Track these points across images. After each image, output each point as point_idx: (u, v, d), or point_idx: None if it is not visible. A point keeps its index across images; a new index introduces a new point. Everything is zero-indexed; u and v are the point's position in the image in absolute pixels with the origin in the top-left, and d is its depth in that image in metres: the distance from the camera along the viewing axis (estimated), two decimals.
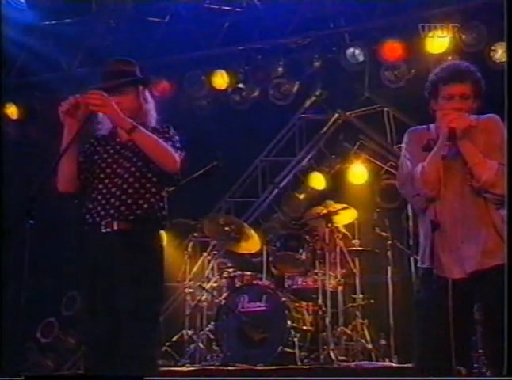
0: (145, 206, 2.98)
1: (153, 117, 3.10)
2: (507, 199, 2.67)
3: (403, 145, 3.10)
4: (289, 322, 5.19)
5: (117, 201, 2.96)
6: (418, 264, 3.02)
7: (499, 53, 5.76)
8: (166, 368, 5.22)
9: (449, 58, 5.98)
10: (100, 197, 2.99)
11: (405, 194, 3.08)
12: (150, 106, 3.11)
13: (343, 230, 5.91)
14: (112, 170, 3.02)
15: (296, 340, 5.14)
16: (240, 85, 6.85)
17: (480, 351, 4.11)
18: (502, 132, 2.86)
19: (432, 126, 3.05)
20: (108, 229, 2.94)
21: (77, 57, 6.89)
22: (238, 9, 6.59)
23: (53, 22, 6.79)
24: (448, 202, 2.85)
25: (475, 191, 2.83)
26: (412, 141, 3.04)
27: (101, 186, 3.01)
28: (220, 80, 6.79)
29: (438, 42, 5.90)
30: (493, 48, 5.78)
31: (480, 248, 2.79)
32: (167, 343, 5.71)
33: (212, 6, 6.59)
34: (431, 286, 2.84)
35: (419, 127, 3.10)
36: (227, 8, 6.62)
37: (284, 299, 5.32)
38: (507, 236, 2.65)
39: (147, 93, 3.12)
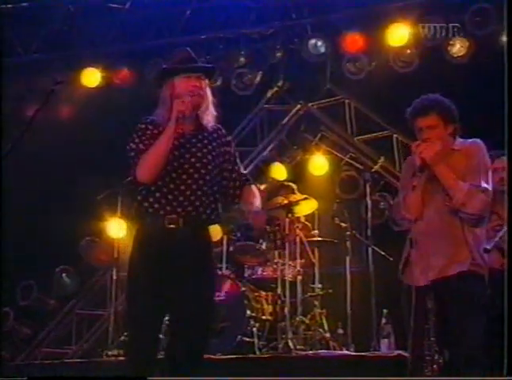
0: (208, 211, 2.98)
1: (212, 113, 3.12)
2: (507, 201, 2.80)
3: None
4: (248, 312, 5.21)
5: (186, 201, 2.92)
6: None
7: (457, 47, 5.89)
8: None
9: (408, 51, 6.09)
10: (165, 190, 2.92)
11: (394, 218, 3.38)
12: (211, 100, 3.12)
13: (303, 221, 5.95)
14: (180, 165, 2.95)
15: (254, 329, 5.16)
16: None
17: (432, 339, 4.21)
18: (480, 156, 3.13)
19: None
20: (173, 226, 2.90)
21: (34, 42, 6.74)
22: None
23: (10, 6, 6.63)
24: (427, 219, 3.11)
25: (452, 210, 3.06)
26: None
27: (167, 179, 2.93)
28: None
29: (398, 35, 5.99)
30: (451, 42, 5.90)
31: (447, 260, 3.04)
32: (125, 334, 5.67)
33: None
34: (404, 296, 3.14)
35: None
36: None
37: (243, 289, 5.34)
38: (507, 237, 2.78)
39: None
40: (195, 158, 2.98)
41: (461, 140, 3.23)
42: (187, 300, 2.88)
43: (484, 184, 3.05)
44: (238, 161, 3.14)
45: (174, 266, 2.89)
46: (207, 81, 3.10)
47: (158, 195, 2.93)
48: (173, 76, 3.06)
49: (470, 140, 3.20)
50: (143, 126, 3.03)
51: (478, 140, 3.19)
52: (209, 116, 3.09)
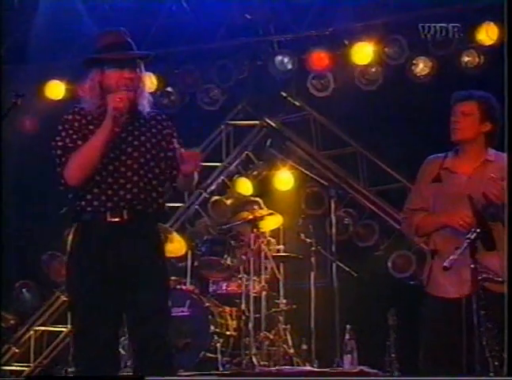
0: (154, 205, 2.75)
1: (147, 98, 2.87)
2: (507, 199, 2.71)
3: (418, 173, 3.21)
4: (212, 327, 5.18)
5: (128, 194, 2.70)
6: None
7: (420, 67, 6.01)
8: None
9: (373, 69, 6.19)
10: (104, 186, 2.69)
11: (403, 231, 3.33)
12: (145, 85, 2.89)
13: (268, 236, 5.96)
14: (116, 157, 2.71)
15: (218, 345, 5.13)
16: (169, 89, 6.79)
17: (393, 355, 4.24)
18: None
19: (450, 153, 3.14)
20: (117, 219, 2.68)
21: None
22: (167, 12, 6.55)
23: None
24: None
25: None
26: (424, 171, 3.17)
27: (104, 173, 2.70)
28: (148, 83, 6.70)
29: (363, 53, 6.09)
30: (414, 62, 6.02)
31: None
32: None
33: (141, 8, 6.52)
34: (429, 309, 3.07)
35: (436, 155, 3.18)
36: (157, 10, 6.56)
37: (207, 304, 5.31)
38: (507, 237, 2.70)
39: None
40: (131, 148, 2.74)
41: (493, 151, 3.10)
42: (141, 301, 2.66)
43: None
44: (178, 142, 2.87)
45: (122, 265, 2.68)
46: (142, 64, 2.83)
47: (96, 191, 2.70)
48: (102, 66, 2.78)
49: (503, 153, 3.00)
50: (70, 117, 2.82)
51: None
52: (144, 101, 2.85)
